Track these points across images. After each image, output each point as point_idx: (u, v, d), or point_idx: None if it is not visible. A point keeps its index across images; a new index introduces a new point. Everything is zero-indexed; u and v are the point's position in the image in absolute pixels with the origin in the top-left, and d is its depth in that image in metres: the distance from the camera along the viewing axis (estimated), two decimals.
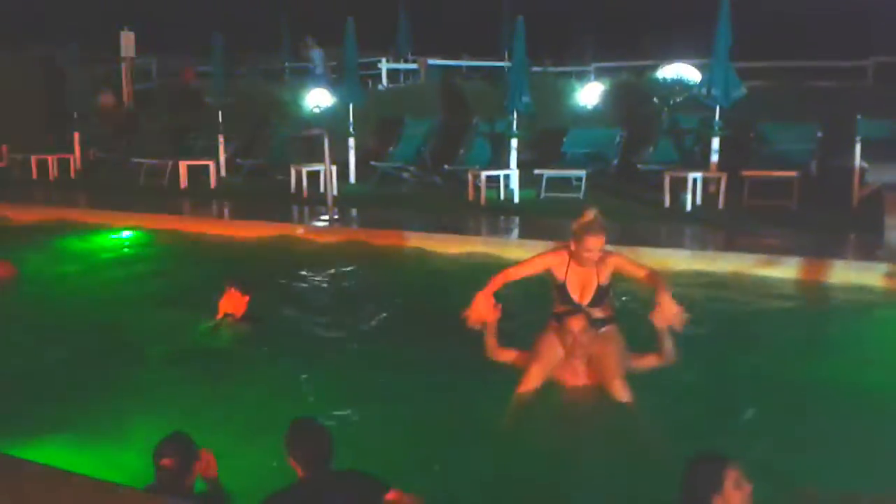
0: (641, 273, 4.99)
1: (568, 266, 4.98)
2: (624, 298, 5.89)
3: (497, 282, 5.02)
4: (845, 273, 7.47)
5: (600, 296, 4.99)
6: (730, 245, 8.81)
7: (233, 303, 6.20)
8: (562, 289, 5.01)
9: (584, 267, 4.94)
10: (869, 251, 7.88)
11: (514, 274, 5.14)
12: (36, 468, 3.21)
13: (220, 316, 6.22)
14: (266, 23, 20.20)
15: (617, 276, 5.07)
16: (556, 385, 4.89)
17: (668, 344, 4.80)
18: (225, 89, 14.65)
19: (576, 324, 4.78)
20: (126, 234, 10.61)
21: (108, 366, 5.67)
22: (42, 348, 6.04)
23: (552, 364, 4.88)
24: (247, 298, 6.22)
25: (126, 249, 10.08)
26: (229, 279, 6.33)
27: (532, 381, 4.83)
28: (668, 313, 4.65)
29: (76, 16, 19.23)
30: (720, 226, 9.66)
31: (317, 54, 17.39)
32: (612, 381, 4.77)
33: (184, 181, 14.02)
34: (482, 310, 4.87)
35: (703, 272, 7.73)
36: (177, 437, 3.45)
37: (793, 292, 7.45)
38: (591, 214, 4.87)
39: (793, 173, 10.30)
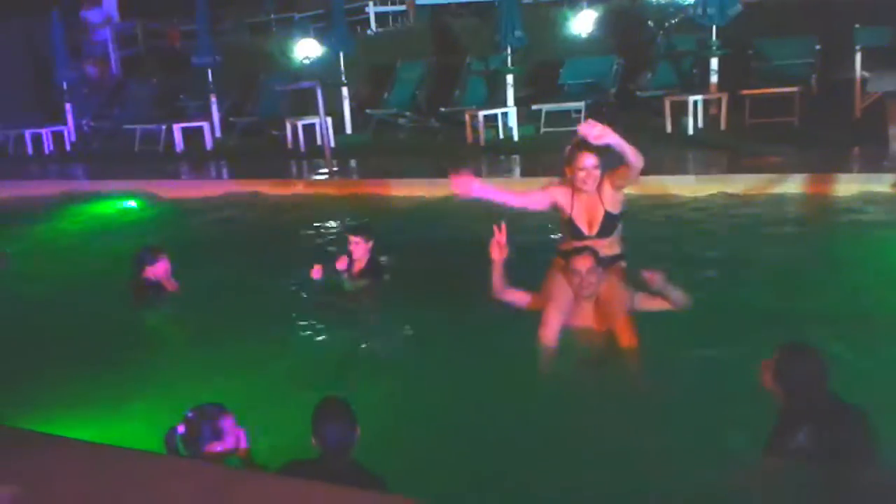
0: (623, 171, 4.81)
1: (572, 198, 4.92)
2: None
3: (497, 192, 5.00)
4: (852, 186, 7.47)
5: (608, 225, 4.93)
6: (735, 167, 8.76)
7: (359, 252, 5.89)
8: (569, 223, 4.96)
9: (587, 195, 4.87)
10: (875, 162, 7.83)
11: (516, 199, 5.10)
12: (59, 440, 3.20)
13: (343, 267, 5.88)
14: None
15: (622, 200, 4.99)
16: (570, 328, 4.86)
17: (673, 293, 4.71)
18: (211, 47, 14.42)
19: (582, 263, 4.69)
20: (131, 203, 10.53)
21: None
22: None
23: (567, 305, 4.84)
24: (370, 245, 5.88)
25: (135, 217, 10.03)
26: (351, 227, 6.00)
27: (551, 325, 4.80)
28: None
29: None
30: (724, 147, 9.57)
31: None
32: (617, 322, 4.73)
33: (179, 144, 13.95)
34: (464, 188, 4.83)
35: (710, 196, 7.69)
36: (207, 406, 3.36)
37: (801, 210, 7.44)
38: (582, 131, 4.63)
39: (794, 89, 10.17)
